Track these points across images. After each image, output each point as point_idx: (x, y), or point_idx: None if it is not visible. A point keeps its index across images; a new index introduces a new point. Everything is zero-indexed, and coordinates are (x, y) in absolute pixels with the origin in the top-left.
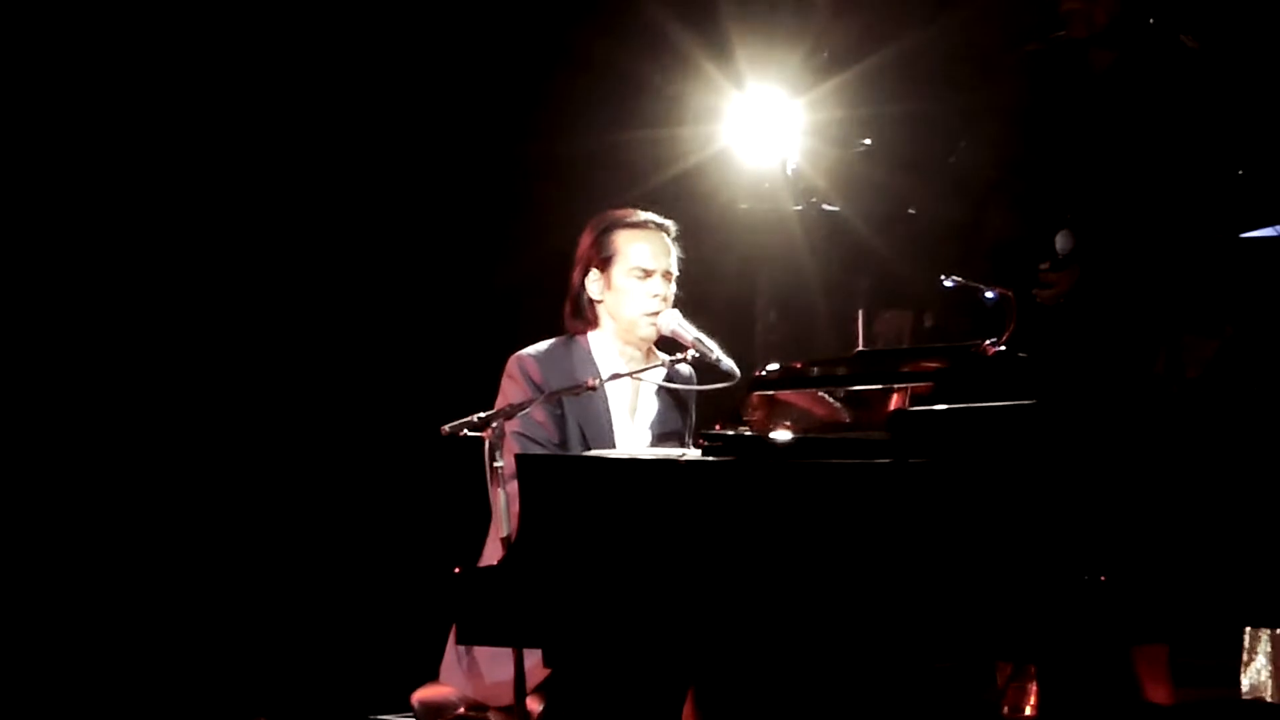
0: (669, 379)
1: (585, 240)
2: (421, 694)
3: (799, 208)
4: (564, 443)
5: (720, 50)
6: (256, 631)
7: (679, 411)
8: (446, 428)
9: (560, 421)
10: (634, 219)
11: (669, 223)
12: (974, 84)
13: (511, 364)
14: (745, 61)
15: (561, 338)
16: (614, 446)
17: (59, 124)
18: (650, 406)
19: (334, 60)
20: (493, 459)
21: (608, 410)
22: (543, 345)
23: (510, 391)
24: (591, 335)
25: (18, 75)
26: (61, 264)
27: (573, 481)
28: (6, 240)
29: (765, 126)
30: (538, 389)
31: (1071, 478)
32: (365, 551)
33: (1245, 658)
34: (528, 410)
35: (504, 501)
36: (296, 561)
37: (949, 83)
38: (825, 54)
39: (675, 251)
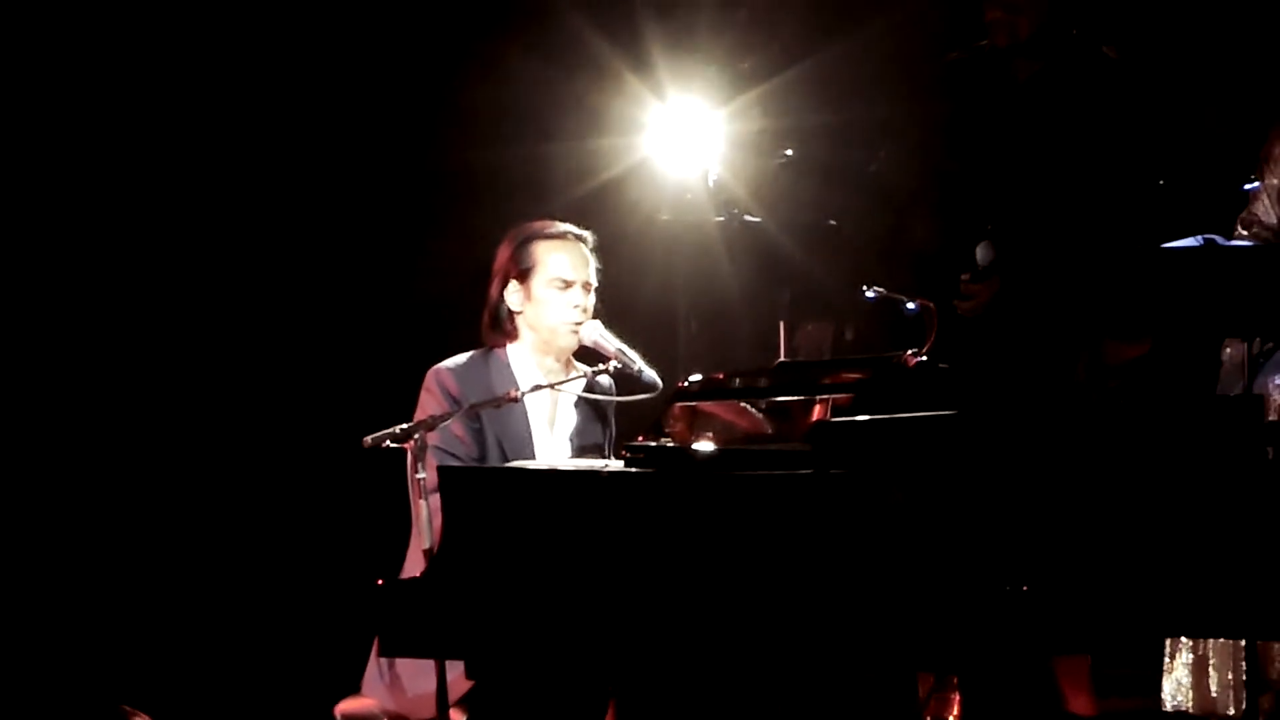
0: (588, 390)
1: (503, 252)
2: (344, 706)
3: (721, 219)
4: (483, 457)
5: (641, 61)
6: (177, 643)
7: (599, 423)
8: (369, 439)
9: (479, 435)
10: (552, 230)
11: (587, 233)
12: (895, 94)
13: (429, 378)
14: (666, 72)
15: (479, 351)
16: (534, 458)
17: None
18: (570, 418)
19: (253, 70)
20: (415, 471)
21: (527, 422)
22: (460, 358)
23: (428, 405)
24: (510, 348)
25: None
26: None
27: (495, 493)
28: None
29: (686, 137)
30: (455, 403)
31: (992, 488)
32: (286, 563)
33: (1166, 667)
34: (446, 424)
35: (426, 513)
36: (217, 573)
37: (870, 93)
38: (746, 64)
39: (594, 262)
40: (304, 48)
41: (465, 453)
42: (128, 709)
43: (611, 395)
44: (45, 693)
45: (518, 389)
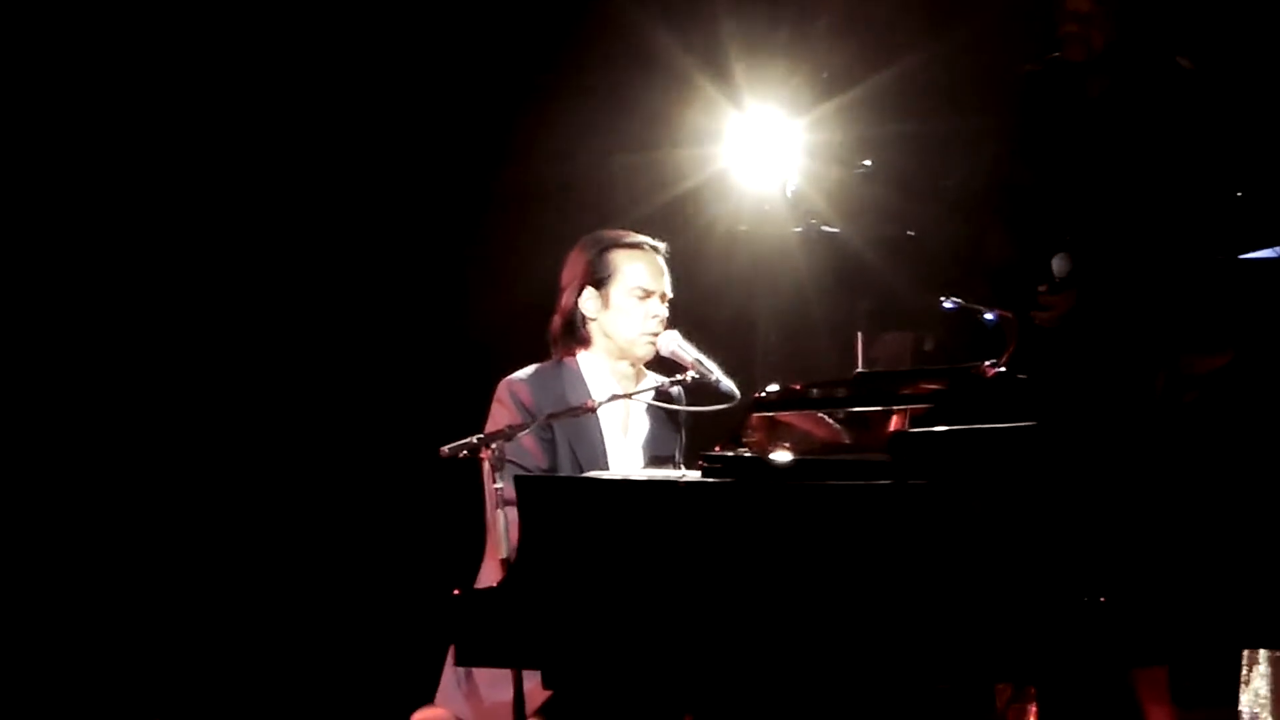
0: (661, 400)
1: (577, 260)
2: (420, 716)
3: (799, 229)
4: (554, 467)
5: (719, 71)
6: (255, 654)
7: (672, 432)
8: (446, 449)
9: (550, 446)
10: (630, 239)
11: (662, 244)
12: (973, 106)
13: (501, 389)
14: (745, 82)
15: (549, 361)
16: (607, 468)
17: (58, 124)
18: (642, 427)
19: (328, 82)
20: (492, 480)
21: (600, 431)
22: (530, 369)
23: (500, 417)
24: (581, 356)
25: (17, 75)
26: (39, 276)
27: (572, 503)
28: (6, 240)
29: (765, 148)
30: (528, 413)
31: (1071, 499)
32: (363, 573)
33: (1244, 678)
34: (518, 436)
35: (503, 523)
36: (294, 584)
37: (948, 104)
38: (825, 74)
39: (668, 273)
40: (389, 58)
41: (535, 464)
42: None
43: (684, 404)
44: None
45: (591, 398)
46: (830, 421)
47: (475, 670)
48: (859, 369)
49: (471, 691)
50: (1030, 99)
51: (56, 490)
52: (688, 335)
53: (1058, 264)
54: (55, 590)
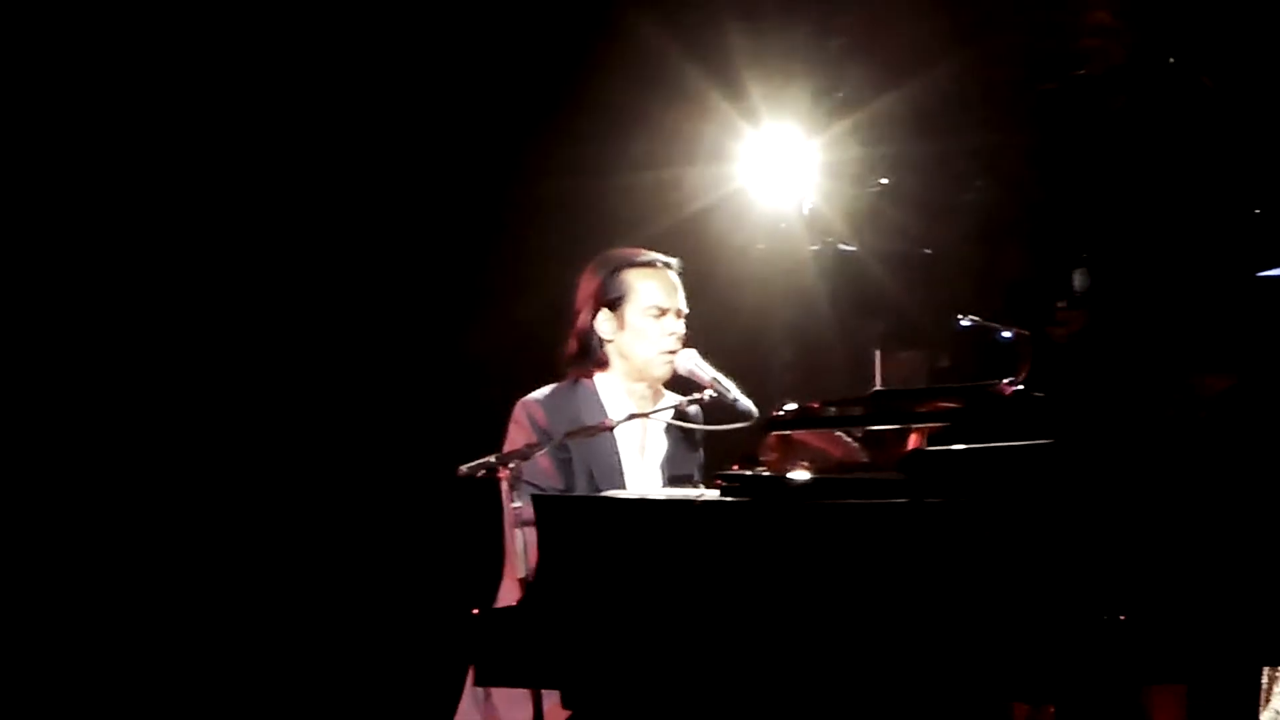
0: (678, 418)
1: (590, 281)
2: None
3: (815, 248)
4: (570, 488)
5: (735, 89)
6: (277, 674)
7: (689, 451)
8: (464, 468)
9: (566, 466)
10: (642, 258)
11: (675, 260)
12: (991, 123)
13: (518, 410)
14: (760, 100)
15: (565, 381)
16: (624, 487)
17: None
18: (660, 446)
19: (343, 97)
20: (510, 500)
21: (617, 452)
22: (547, 389)
23: (517, 438)
24: (598, 377)
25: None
26: (62, 276)
27: (591, 522)
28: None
29: (781, 166)
30: (544, 434)
31: (1088, 517)
32: (381, 593)
33: (1263, 696)
34: (534, 457)
35: (521, 543)
36: (314, 603)
37: (965, 122)
38: (841, 93)
39: (682, 289)
40: (400, 76)
41: (550, 485)
42: None
43: (701, 423)
44: None
45: (608, 418)
46: (847, 440)
47: (494, 690)
48: (875, 387)
49: (490, 712)
50: (1048, 116)
51: (91, 513)
52: (704, 354)
53: (1078, 279)
54: (86, 614)
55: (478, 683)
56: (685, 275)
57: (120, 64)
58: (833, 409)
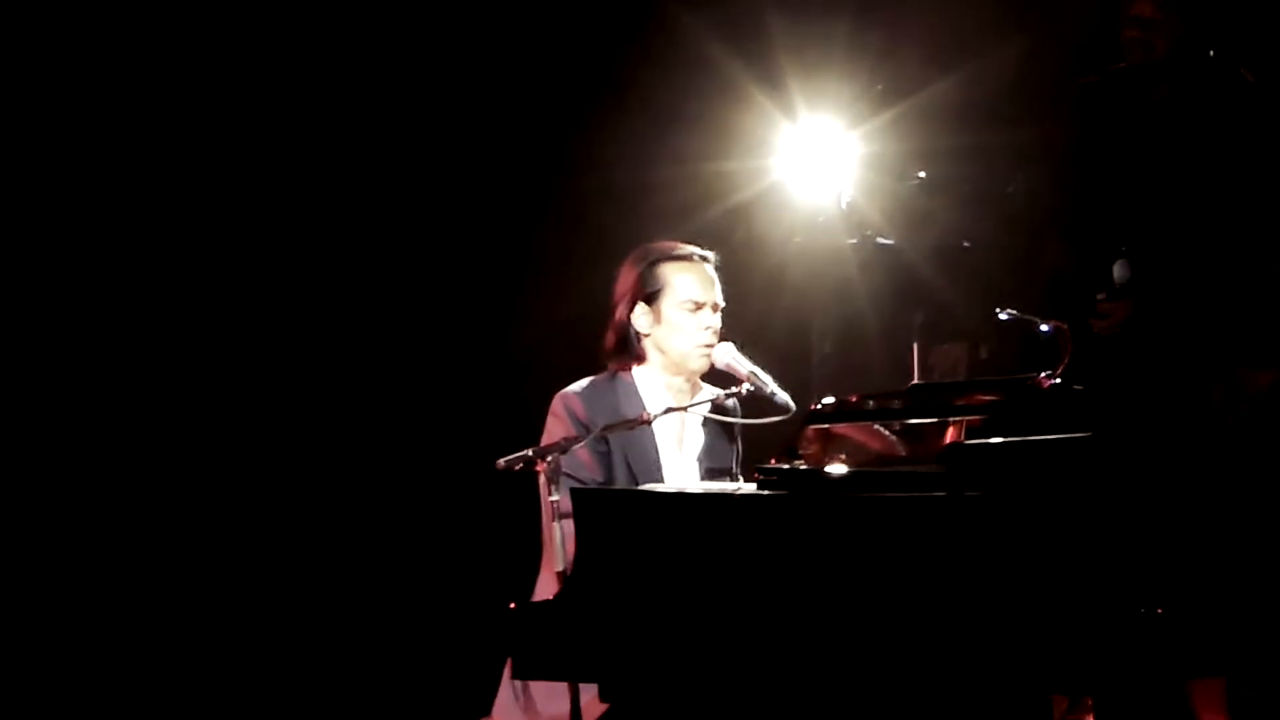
0: (716, 411)
1: (627, 275)
2: None
3: (854, 241)
4: (609, 480)
5: (774, 83)
6: (312, 670)
7: (727, 444)
8: (502, 462)
9: (605, 459)
10: (679, 251)
11: (711, 254)
12: (1030, 116)
13: (556, 403)
14: (799, 93)
15: (603, 374)
16: (662, 480)
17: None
18: (698, 440)
19: (386, 93)
20: (548, 493)
21: (655, 445)
22: (585, 382)
23: (555, 430)
24: (636, 370)
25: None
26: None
27: (629, 515)
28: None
29: (820, 159)
30: (583, 427)
31: (1127, 510)
32: (419, 586)
33: None
34: (573, 449)
35: (559, 536)
36: (353, 598)
37: (1005, 115)
38: (880, 86)
39: (719, 282)
40: (443, 72)
41: (590, 477)
42: None
43: (738, 416)
44: None
45: (647, 411)
46: (885, 433)
47: (532, 683)
48: (914, 381)
49: (528, 704)
50: (1090, 108)
51: (110, 508)
52: (742, 348)
53: (1118, 270)
54: (100, 610)
55: (515, 676)
56: (723, 268)
57: (135, 65)
58: (872, 402)
